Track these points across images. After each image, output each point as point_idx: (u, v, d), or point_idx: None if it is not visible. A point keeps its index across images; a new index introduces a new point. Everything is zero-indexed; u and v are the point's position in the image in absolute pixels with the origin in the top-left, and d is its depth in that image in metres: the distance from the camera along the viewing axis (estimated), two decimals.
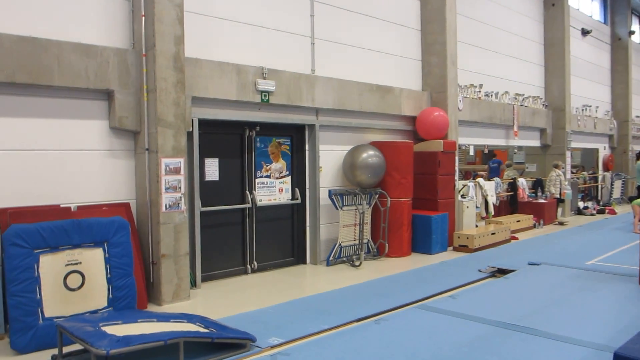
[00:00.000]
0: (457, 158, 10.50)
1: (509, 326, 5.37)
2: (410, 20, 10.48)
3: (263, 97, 7.70)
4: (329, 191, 8.64)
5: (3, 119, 5.63)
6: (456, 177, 10.52)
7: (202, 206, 7.20)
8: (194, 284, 7.01)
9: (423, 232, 9.49)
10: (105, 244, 5.48)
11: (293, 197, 8.60)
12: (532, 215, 12.86)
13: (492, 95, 12.65)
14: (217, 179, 7.60)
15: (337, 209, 8.65)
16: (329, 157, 8.94)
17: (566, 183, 14.24)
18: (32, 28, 5.73)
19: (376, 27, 9.74)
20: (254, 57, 7.73)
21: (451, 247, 9.96)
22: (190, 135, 6.91)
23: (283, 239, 8.57)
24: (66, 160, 6.05)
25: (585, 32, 17.44)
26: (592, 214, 15.24)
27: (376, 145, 9.17)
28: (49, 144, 5.94)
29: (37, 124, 5.85)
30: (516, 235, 11.30)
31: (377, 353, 4.73)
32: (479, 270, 7.97)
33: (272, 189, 8.30)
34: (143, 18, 6.39)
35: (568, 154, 15.12)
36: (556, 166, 14.00)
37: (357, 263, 8.55)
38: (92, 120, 6.26)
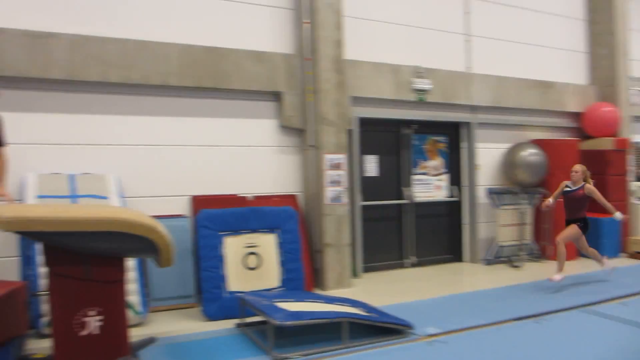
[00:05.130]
0: (631, 157, 9.69)
1: None
2: (573, 9, 9.93)
3: (419, 96, 7.86)
4: (487, 189, 8.51)
5: (192, 118, 6.46)
6: (630, 178, 9.71)
7: (362, 200, 7.54)
8: (355, 273, 7.34)
9: (591, 236, 8.87)
10: (278, 231, 6.02)
11: (450, 195, 8.61)
12: None
13: None
14: (376, 174, 7.91)
15: (495, 208, 8.47)
16: (486, 155, 8.80)
17: None
18: (215, 39, 6.52)
19: (535, 20, 9.39)
20: (410, 56, 7.92)
21: (625, 254, 9.19)
22: (350, 132, 7.29)
23: (440, 235, 8.61)
24: (243, 155, 6.75)
25: None
26: None
27: (537, 143, 8.83)
28: (229, 141, 6.68)
29: (220, 123, 6.63)
30: None
31: (536, 350, 4.55)
32: None
33: (428, 186, 8.40)
34: (307, 25, 6.91)
35: None
36: None
37: (517, 264, 8.28)
38: (264, 119, 6.91)
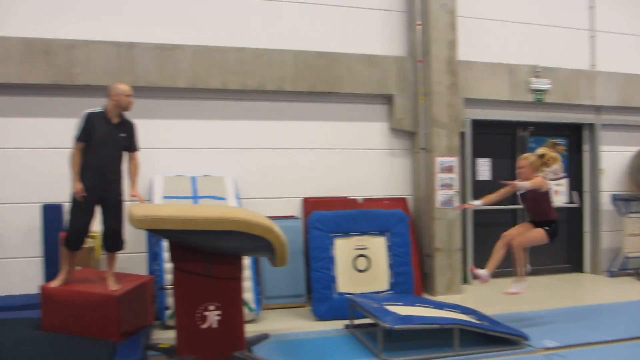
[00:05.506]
0: None
1: None
2: None
3: (537, 96, 7.50)
4: (612, 196, 7.93)
5: (305, 122, 6.67)
6: None
7: None
8: (465, 279, 7.16)
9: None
10: (388, 233, 6.03)
11: (570, 201, 8.12)
12: None
13: None
14: (488, 178, 7.66)
15: (622, 215, 7.87)
16: (611, 158, 8.19)
17: None
18: (328, 44, 6.66)
19: None
20: (527, 55, 7.57)
21: None
22: (462, 135, 7.12)
23: (558, 244, 8.11)
24: (353, 158, 6.84)
25: None
26: None
27: None
28: (340, 144, 6.81)
29: (331, 127, 6.78)
30: None
31: None
32: None
33: None
34: (419, 27, 6.84)
35: None
36: None
37: None
38: (375, 122, 6.95)
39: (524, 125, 7.83)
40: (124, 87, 4.54)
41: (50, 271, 5.49)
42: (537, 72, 7.47)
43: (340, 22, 6.80)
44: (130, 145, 4.66)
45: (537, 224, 5.30)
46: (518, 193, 5.39)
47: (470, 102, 7.23)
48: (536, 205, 5.30)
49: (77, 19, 5.95)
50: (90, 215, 4.57)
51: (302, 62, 6.47)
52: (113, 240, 4.63)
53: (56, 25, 5.87)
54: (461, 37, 7.03)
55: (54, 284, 4.51)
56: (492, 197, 5.38)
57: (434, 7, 6.71)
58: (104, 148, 4.49)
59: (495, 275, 7.62)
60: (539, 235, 5.26)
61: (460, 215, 6.88)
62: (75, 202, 4.52)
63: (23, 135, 5.89)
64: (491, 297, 6.63)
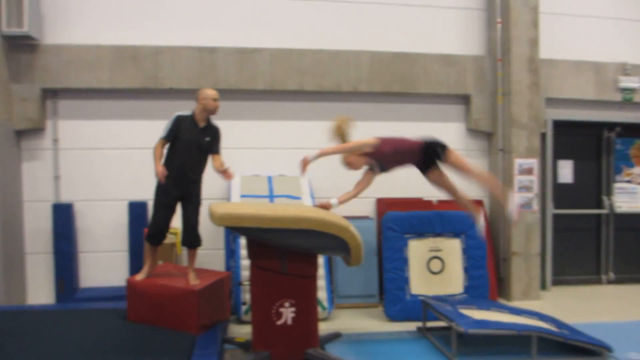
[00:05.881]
0: None
1: None
2: None
3: (625, 95, 7.12)
4: None
5: (379, 123, 6.64)
6: None
7: (555, 208, 7.06)
8: (543, 285, 6.91)
9: None
10: (463, 236, 5.92)
11: None
12: None
13: None
14: (570, 181, 7.35)
15: None
16: None
17: None
18: (404, 45, 6.63)
19: None
20: (614, 52, 7.19)
21: None
22: (543, 136, 6.88)
23: None
24: None
25: None
26: None
27: None
28: None
29: (406, 127, 6.63)
30: None
31: None
32: None
33: (633, 196, 7.55)
34: (499, 25, 6.68)
35: None
36: None
37: None
38: (451, 122, 6.86)
39: (610, 126, 7.44)
40: (211, 92, 4.73)
41: (135, 265, 5.82)
42: (626, 70, 7.09)
43: (417, 22, 6.76)
44: (213, 148, 4.83)
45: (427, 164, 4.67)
46: (377, 170, 4.80)
47: (552, 101, 6.97)
48: (400, 161, 4.75)
49: (162, 27, 6.26)
50: (170, 212, 4.80)
51: (378, 62, 6.48)
52: (191, 237, 4.83)
53: (143, 33, 6.21)
54: (543, 35, 6.79)
55: (139, 277, 4.76)
56: (350, 193, 4.75)
57: (516, 4, 6.52)
58: (189, 150, 4.68)
59: (575, 282, 7.35)
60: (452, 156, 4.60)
61: (539, 220, 6.64)
62: (158, 200, 4.76)
63: (113, 137, 6.27)
64: (571, 306, 6.37)
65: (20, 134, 6.09)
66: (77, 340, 4.15)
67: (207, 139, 4.72)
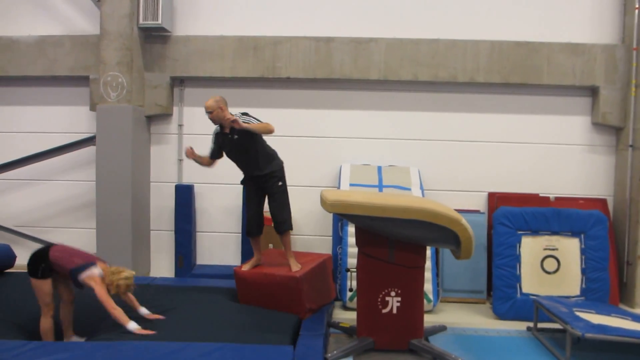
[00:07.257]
0: None
1: None
2: None
3: None
4: None
5: (495, 115, 6.47)
6: None
7: None
8: None
9: None
10: (582, 235, 5.60)
11: None
12: None
13: None
14: None
15: None
16: None
17: None
18: (526, 34, 6.32)
19: None
20: None
21: None
22: None
23: None
24: (548, 153, 6.45)
25: None
26: None
27: None
28: (533, 138, 6.47)
29: (523, 120, 6.47)
30: None
31: None
32: None
33: None
34: (637, 11, 6.16)
35: None
36: None
37: None
38: (575, 116, 6.46)
39: None
40: (205, 104, 4.81)
41: (246, 247, 6.04)
42: None
43: (541, 10, 6.40)
44: (247, 136, 4.78)
45: None
46: None
47: None
48: None
49: (281, 17, 6.47)
50: (257, 206, 5.04)
51: (497, 52, 6.24)
52: (277, 224, 4.99)
53: (263, 24, 6.46)
54: None
55: (245, 267, 5.00)
56: None
57: None
58: (233, 155, 4.94)
59: None
60: None
61: None
62: (245, 197, 5.13)
63: None
64: None
65: (150, 119, 6.61)
66: (197, 314, 4.47)
67: (236, 137, 4.80)
